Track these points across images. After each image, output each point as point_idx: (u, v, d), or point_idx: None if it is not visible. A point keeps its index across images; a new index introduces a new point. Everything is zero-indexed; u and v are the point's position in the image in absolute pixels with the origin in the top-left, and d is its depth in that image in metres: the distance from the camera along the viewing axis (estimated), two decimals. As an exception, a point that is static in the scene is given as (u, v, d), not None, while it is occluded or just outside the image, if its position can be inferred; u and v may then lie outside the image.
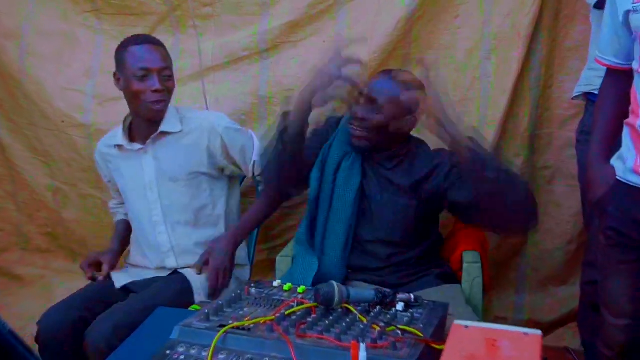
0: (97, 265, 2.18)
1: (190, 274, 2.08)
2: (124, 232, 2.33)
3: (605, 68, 1.68)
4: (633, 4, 1.47)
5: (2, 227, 2.88)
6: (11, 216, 2.86)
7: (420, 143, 2.03)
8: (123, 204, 2.31)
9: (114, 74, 2.11)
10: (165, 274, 2.15)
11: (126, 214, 2.33)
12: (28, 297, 2.82)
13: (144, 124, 2.12)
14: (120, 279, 2.15)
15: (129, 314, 1.83)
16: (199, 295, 2.04)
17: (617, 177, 1.57)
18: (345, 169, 1.98)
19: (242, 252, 2.25)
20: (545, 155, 2.41)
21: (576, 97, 2.12)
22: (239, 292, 1.48)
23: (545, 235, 2.46)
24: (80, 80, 2.60)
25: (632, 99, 1.53)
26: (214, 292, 2.01)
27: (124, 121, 2.18)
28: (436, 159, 1.95)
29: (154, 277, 2.14)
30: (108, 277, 2.16)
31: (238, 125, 2.26)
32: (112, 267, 2.19)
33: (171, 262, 2.15)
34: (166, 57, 2.09)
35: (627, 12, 1.49)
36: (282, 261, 2.09)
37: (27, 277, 2.87)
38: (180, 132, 2.12)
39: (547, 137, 2.40)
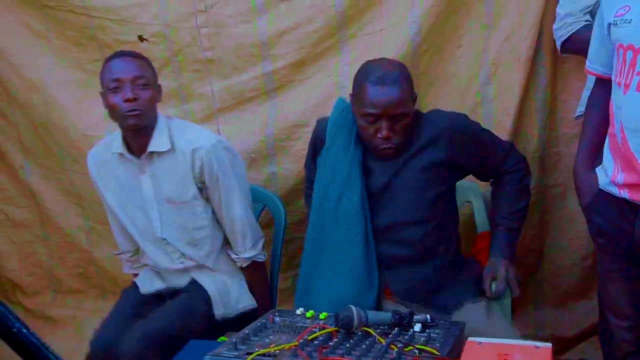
0: None
1: (208, 285, 2.15)
2: None
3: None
4: (614, 17, 1.53)
5: (33, 271, 2.98)
6: (41, 260, 2.96)
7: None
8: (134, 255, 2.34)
9: (100, 93, 2.10)
10: (185, 279, 2.21)
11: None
12: (61, 337, 2.89)
13: (132, 137, 2.09)
14: (144, 284, 2.23)
15: (156, 326, 1.96)
16: (218, 308, 2.11)
17: (600, 187, 1.61)
18: (341, 182, 1.98)
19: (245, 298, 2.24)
20: (555, 174, 2.46)
21: (579, 116, 2.19)
22: (263, 321, 1.56)
23: (560, 252, 2.49)
24: (99, 126, 2.67)
25: (610, 109, 1.58)
26: None
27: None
28: (437, 122, 1.97)
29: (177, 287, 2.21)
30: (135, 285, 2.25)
31: (232, 151, 2.21)
32: None
33: (187, 262, 2.20)
34: (141, 67, 2.06)
35: (609, 25, 1.56)
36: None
37: (59, 318, 2.96)
38: (169, 150, 2.08)
39: (555, 156, 2.45)
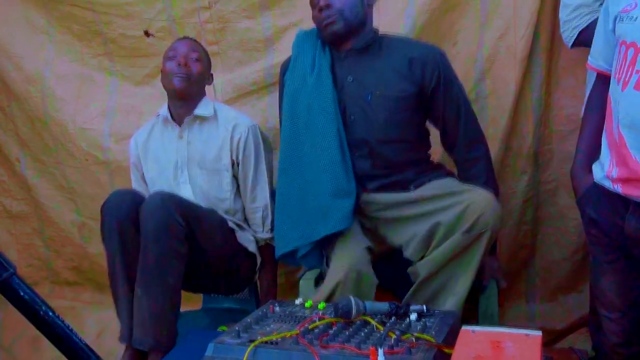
0: None
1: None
2: None
3: None
4: (621, 12, 1.54)
5: (31, 262, 3.01)
6: (39, 252, 2.99)
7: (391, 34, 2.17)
8: None
9: (160, 70, 2.34)
10: None
11: None
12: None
13: (176, 105, 2.30)
14: None
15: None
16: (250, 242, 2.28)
17: (594, 181, 1.64)
18: (312, 85, 2.05)
19: None
20: (548, 170, 2.50)
21: None
22: (264, 310, 1.60)
23: (551, 247, 2.54)
24: (97, 120, 2.73)
25: (608, 104, 1.59)
26: None
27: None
28: (417, 50, 2.07)
29: None
30: None
31: (266, 139, 2.38)
32: None
33: None
34: (195, 47, 2.32)
35: (615, 19, 1.57)
36: (305, 284, 2.18)
37: (58, 310, 2.87)
38: (212, 117, 2.29)
39: (548, 152, 2.49)
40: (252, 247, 2.29)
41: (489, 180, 2.10)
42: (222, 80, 2.61)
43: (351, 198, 1.99)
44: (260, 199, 2.31)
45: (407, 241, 1.93)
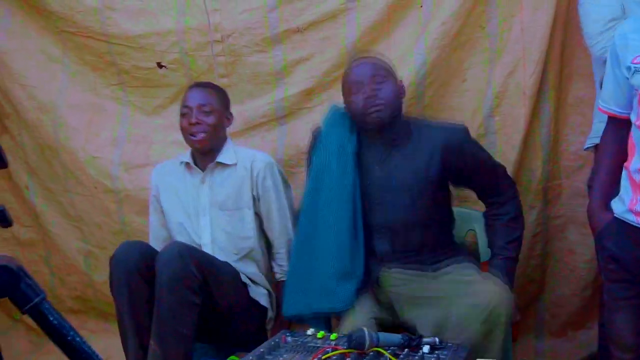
0: None
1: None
2: None
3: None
4: (634, 63, 1.58)
5: (37, 290, 3.01)
6: (45, 279, 2.97)
7: (416, 119, 2.22)
8: None
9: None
10: None
11: None
12: (65, 356, 2.91)
13: (199, 155, 2.36)
14: None
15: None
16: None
17: (615, 216, 1.64)
18: (335, 168, 2.10)
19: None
20: (557, 206, 2.52)
21: (587, 148, 2.21)
22: (277, 340, 1.60)
23: (561, 282, 2.54)
24: (107, 149, 2.75)
25: (629, 146, 1.63)
26: None
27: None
28: (443, 135, 2.09)
29: None
30: None
31: (284, 175, 2.43)
32: None
33: None
34: (208, 96, 2.32)
35: (628, 69, 1.61)
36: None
37: (63, 338, 2.97)
38: (234, 164, 2.33)
39: (557, 188, 2.51)
40: (264, 301, 2.30)
41: (515, 227, 2.15)
42: (233, 112, 2.61)
43: (355, 280, 2.04)
44: (285, 233, 2.34)
45: (421, 322, 1.95)
